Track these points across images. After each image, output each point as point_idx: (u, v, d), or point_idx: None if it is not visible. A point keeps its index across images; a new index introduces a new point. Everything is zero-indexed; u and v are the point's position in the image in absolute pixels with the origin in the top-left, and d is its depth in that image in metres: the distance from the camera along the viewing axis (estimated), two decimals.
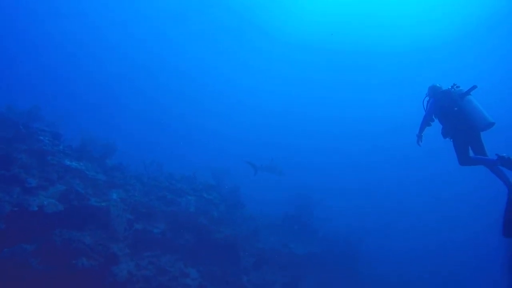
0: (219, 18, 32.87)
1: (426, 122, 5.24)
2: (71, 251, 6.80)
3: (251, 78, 42.08)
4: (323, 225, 15.29)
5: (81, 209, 7.57)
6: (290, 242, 11.28)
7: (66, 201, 7.47)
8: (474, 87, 4.83)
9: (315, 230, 13.82)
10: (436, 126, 5.28)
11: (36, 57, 34.61)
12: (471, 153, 4.87)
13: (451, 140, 4.99)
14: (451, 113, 4.82)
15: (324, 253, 12.16)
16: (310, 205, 14.99)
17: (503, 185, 4.45)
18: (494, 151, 4.52)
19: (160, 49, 38.59)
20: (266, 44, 36.42)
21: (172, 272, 8.01)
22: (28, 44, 33.77)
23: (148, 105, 38.58)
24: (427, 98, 5.39)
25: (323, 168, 29.98)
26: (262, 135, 37.36)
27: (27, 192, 7.15)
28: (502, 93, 31.05)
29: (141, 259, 7.92)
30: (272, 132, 38.60)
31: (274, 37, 35.16)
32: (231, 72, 41.30)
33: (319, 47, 35.02)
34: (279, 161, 13.31)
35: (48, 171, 7.92)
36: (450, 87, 5.03)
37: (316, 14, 30.80)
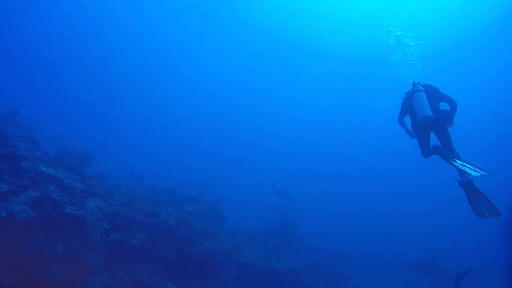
0: (217, 18, 32.93)
1: (400, 118, 5.49)
2: (41, 260, 6.45)
3: (245, 81, 41.64)
4: (306, 241, 15.23)
5: (55, 217, 7.24)
6: (271, 257, 11.11)
7: (39, 208, 7.13)
8: (416, 84, 5.10)
9: (297, 246, 13.73)
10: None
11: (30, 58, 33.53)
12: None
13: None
14: (408, 108, 5.12)
15: (305, 270, 12.03)
16: (293, 221, 14.95)
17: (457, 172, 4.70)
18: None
19: (159, 49, 37.98)
20: (265, 45, 36.11)
21: (148, 285, 7.69)
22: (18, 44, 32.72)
23: (129, 108, 37.86)
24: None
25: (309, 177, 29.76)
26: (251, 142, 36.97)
27: None
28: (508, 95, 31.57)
29: (116, 271, 7.57)
30: (261, 137, 38.29)
31: (272, 36, 34.80)
32: (222, 75, 40.77)
33: (320, 51, 34.74)
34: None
35: (21, 177, 7.59)
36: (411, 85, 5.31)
37: (322, 17, 30.56)
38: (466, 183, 4.56)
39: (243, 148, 36.99)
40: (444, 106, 5.11)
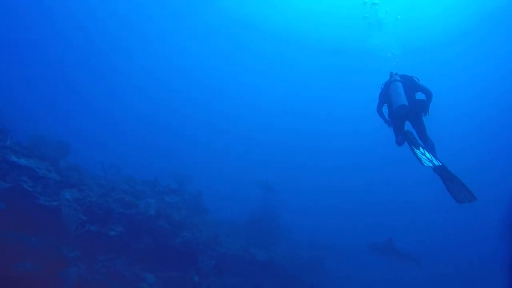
0: (214, 18, 32.31)
1: (378, 108, 5.61)
2: (13, 253, 6.24)
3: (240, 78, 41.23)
4: (288, 233, 15.35)
5: (28, 208, 7.01)
6: (252, 247, 11.19)
7: (10, 199, 6.89)
8: (393, 74, 5.24)
9: (279, 237, 13.85)
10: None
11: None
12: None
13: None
14: (385, 98, 5.24)
15: (286, 261, 12.16)
16: (275, 213, 15.04)
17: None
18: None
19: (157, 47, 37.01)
20: (263, 42, 35.68)
21: (127, 276, 7.61)
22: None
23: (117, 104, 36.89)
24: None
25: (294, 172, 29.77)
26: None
27: None
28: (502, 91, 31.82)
29: (94, 263, 7.44)
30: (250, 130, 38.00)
31: (270, 33, 34.37)
32: (208, 64, 40.10)
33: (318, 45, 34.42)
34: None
35: None
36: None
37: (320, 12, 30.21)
38: (440, 168, 4.72)
39: (229, 139, 36.73)
40: (420, 96, 5.24)
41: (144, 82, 39.26)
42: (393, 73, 5.37)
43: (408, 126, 5.23)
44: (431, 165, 4.58)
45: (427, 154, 4.59)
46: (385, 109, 5.64)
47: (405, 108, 4.90)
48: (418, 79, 5.39)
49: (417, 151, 4.64)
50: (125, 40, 35.67)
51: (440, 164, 4.61)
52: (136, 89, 39.07)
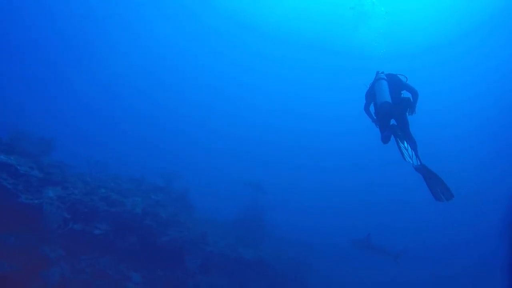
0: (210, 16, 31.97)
1: (365, 107, 5.69)
2: None
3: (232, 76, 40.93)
4: (275, 231, 15.35)
5: (7, 206, 6.79)
6: (239, 246, 11.17)
7: None
8: (380, 73, 5.32)
9: (266, 236, 13.86)
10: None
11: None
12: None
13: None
14: (371, 97, 5.31)
15: (272, 259, 12.17)
16: (262, 211, 15.05)
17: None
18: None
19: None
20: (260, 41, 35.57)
21: (112, 275, 7.48)
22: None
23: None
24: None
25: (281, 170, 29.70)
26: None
27: None
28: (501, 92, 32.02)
29: (78, 262, 7.28)
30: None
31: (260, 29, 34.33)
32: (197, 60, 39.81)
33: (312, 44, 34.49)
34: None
35: None
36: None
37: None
38: (421, 168, 4.83)
39: (217, 138, 36.42)
40: (406, 94, 5.32)
41: (135, 79, 38.62)
42: (379, 72, 5.43)
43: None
44: (411, 161, 4.67)
45: (410, 150, 4.68)
46: (372, 108, 5.70)
47: (388, 105, 4.95)
48: (406, 78, 5.45)
49: (401, 145, 4.74)
50: (116, 35, 35.03)
51: (419, 163, 4.71)
52: (128, 87, 38.41)
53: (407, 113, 5.13)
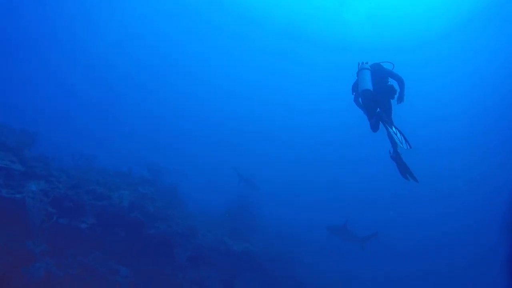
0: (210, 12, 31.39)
1: (355, 99, 5.72)
2: None
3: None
4: (265, 225, 15.41)
5: None
6: (228, 239, 11.18)
7: None
8: (364, 63, 5.37)
9: (255, 229, 13.89)
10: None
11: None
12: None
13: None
14: (356, 87, 5.38)
15: (261, 252, 12.22)
16: (252, 205, 15.06)
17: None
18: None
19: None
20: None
21: (100, 270, 7.37)
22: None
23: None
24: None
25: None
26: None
27: None
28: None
29: (63, 257, 7.14)
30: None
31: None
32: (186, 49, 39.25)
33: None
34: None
35: None
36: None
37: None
38: (395, 157, 5.02)
39: (207, 130, 36.01)
40: (391, 82, 5.36)
41: (122, 70, 37.76)
42: (364, 62, 5.43)
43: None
44: (401, 146, 4.73)
45: (399, 135, 4.75)
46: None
47: (369, 93, 5.00)
48: (393, 65, 5.48)
49: (390, 130, 4.80)
50: (102, 20, 34.07)
51: (409, 147, 4.76)
52: (116, 79, 37.56)
53: (392, 100, 5.19)
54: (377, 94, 5.05)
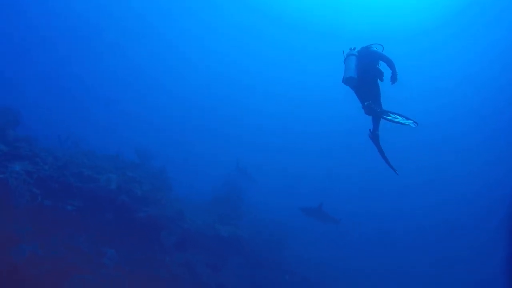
0: None
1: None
2: None
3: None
4: (253, 210, 15.53)
5: None
6: (216, 224, 11.25)
7: None
8: (352, 49, 5.27)
9: (243, 214, 13.99)
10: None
11: None
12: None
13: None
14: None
15: (249, 237, 12.37)
16: (240, 190, 15.12)
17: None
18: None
19: None
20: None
21: (87, 252, 7.35)
22: None
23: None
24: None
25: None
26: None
27: None
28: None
29: (49, 239, 7.07)
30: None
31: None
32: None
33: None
34: None
35: None
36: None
37: None
38: (373, 137, 5.02)
39: (199, 115, 35.61)
40: (382, 65, 5.22)
41: (109, 54, 36.76)
42: (351, 48, 5.33)
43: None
44: (410, 122, 4.66)
45: (399, 118, 4.72)
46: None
47: (352, 80, 4.94)
48: (382, 47, 5.29)
49: (389, 118, 4.77)
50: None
51: (416, 124, 4.70)
52: (103, 62, 36.50)
53: (381, 82, 5.12)
54: (364, 80, 4.99)
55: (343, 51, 5.32)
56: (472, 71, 33.12)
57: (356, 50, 5.24)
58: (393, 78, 5.08)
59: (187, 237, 9.71)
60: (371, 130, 5.09)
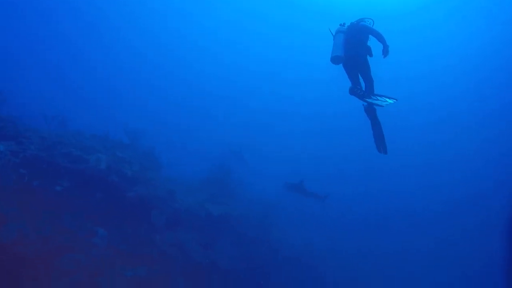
0: None
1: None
2: None
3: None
4: (243, 191, 15.65)
5: None
6: (208, 203, 11.35)
7: None
8: (341, 25, 5.22)
9: (234, 194, 14.11)
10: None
11: None
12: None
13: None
14: None
15: (239, 217, 12.51)
16: (231, 171, 15.18)
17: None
18: None
19: None
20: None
21: (77, 231, 7.38)
22: None
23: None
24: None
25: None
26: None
27: None
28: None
29: (38, 219, 7.06)
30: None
31: None
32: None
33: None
34: None
35: None
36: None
37: None
38: (370, 110, 5.04)
39: (193, 96, 35.04)
40: (372, 40, 5.20)
41: (97, 30, 35.42)
42: (341, 24, 5.24)
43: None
44: (391, 102, 4.73)
45: (380, 99, 4.77)
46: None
47: (338, 59, 4.94)
48: (373, 22, 5.23)
49: (370, 100, 4.83)
50: None
51: (395, 100, 4.78)
52: (91, 39, 35.24)
53: (370, 58, 5.12)
54: (353, 58, 4.97)
55: (330, 29, 5.23)
56: (470, 50, 32.84)
57: (346, 26, 5.16)
58: (385, 52, 5.05)
59: (178, 216, 9.80)
60: (365, 104, 5.10)
